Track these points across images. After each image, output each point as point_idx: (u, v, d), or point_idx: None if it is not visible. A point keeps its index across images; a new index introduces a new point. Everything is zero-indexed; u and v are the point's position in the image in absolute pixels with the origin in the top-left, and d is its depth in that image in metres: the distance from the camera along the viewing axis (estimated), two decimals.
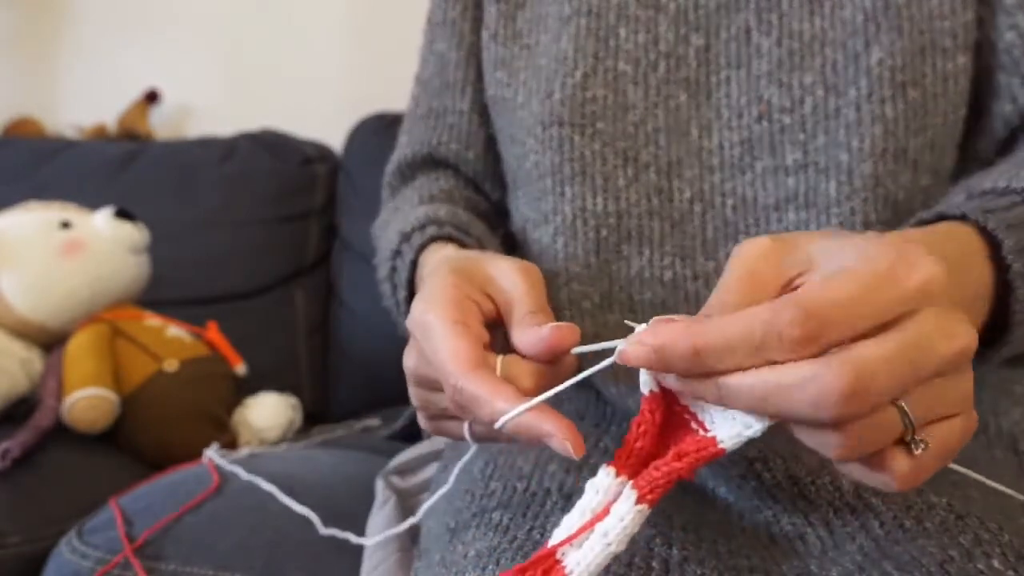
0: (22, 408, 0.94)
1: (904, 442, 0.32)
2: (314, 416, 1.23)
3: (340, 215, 1.42)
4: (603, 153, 0.57)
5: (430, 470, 0.69)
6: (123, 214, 1.06)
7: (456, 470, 0.52)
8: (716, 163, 0.57)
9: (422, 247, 0.58)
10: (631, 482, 0.33)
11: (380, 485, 0.67)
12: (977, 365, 0.48)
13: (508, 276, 0.44)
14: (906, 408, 0.31)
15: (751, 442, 0.46)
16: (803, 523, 0.44)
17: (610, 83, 0.58)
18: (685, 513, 0.45)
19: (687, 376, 0.32)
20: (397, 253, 0.59)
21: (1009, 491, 0.42)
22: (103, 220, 1.05)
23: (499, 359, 0.40)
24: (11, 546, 0.76)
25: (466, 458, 0.51)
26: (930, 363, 0.31)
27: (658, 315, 0.34)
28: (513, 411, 0.37)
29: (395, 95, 1.28)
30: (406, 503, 0.65)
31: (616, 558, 0.39)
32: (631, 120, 0.58)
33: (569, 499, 0.45)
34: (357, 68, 1.63)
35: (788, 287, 0.34)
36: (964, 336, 0.32)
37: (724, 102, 0.57)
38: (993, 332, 0.46)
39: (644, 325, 0.33)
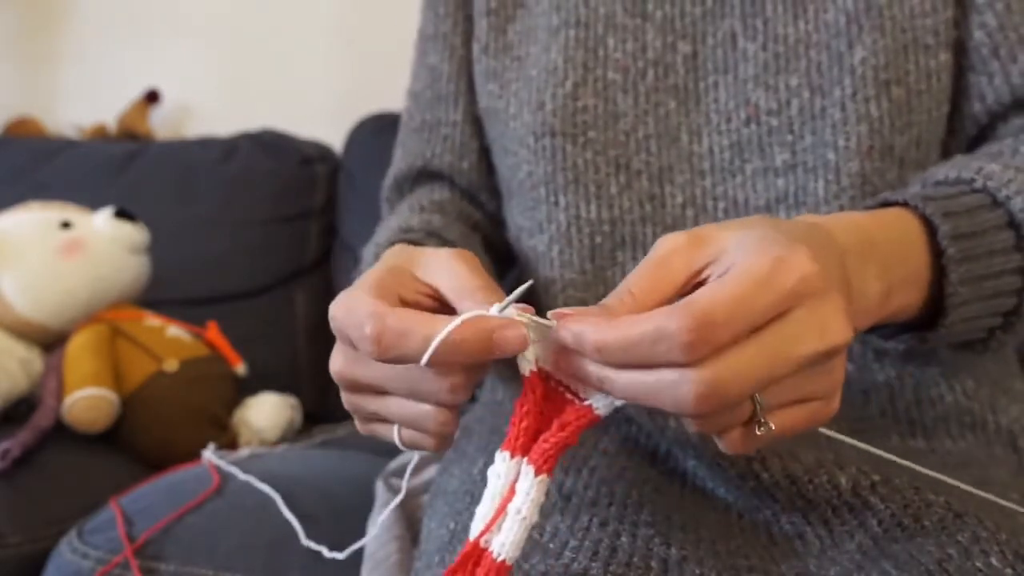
0: (22, 408, 0.95)
1: (750, 420, 0.34)
2: (314, 416, 1.22)
3: (340, 215, 1.42)
4: (595, 161, 0.58)
5: (431, 472, 0.69)
6: (123, 214, 1.06)
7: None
8: (707, 167, 0.57)
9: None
10: (525, 459, 0.35)
11: (380, 487, 0.67)
12: (920, 346, 0.49)
13: (443, 263, 0.40)
14: (759, 400, 0.34)
15: None
16: (802, 522, 0.44)
17: (600, 92, 0.58)
18: (684, 513, 0.45)
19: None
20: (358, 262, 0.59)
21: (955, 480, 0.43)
22: (103, 220, 1.05)
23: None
24: (11, 546, 0.76)
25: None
26: (790, 363, 0.32)
27: None
28: (453, 323, 0.34)
29: (395, 95, 1.28)
30: (407, 505, 0.65)
31: (615, 557, 0.39)
32: (622, 128, 0.58)
33: (568, 499, 0.45)
34: (357, 68, 1.63)
35: (696, 277, 0.35)
36: (837, 333, 0.33)
37: (713, 107, 0.58)
38: (935, 316, 0.47)
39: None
